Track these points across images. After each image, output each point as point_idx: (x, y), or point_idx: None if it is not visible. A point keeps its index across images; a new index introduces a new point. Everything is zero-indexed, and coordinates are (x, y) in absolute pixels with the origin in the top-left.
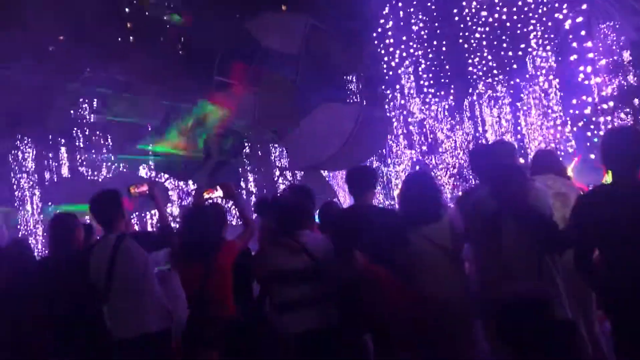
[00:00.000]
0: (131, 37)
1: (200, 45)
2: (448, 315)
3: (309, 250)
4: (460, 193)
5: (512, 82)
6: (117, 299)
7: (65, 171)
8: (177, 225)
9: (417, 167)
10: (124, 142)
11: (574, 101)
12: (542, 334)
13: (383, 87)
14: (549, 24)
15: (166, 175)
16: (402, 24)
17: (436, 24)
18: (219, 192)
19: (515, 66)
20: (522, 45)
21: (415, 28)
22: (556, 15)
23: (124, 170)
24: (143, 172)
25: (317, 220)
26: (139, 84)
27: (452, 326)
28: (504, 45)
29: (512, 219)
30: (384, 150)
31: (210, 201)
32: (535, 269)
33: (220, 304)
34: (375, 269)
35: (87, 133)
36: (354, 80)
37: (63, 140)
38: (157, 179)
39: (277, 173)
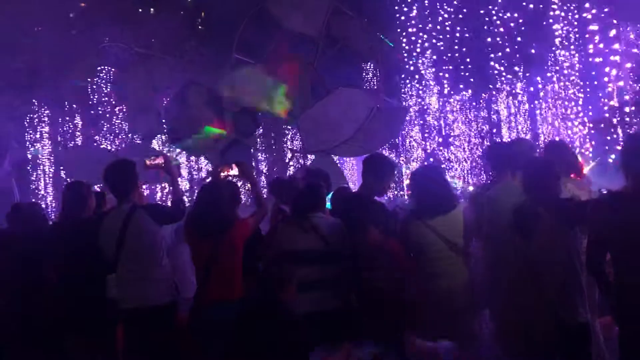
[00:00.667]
0: (151, 9)
1: (219, 21)
2: (448, 307)
3: (322, 231)
4: (470, 188)
5: (532, 80)
6: (125, 269)
7: (79, 140)
8: (189, 200)
9: (431, 160)
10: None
11: (593, 103)
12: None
13: (403, 75)
14: (575, 23)
15: (178, 150)
16: (426, 12)
17: (460, 16)
18: (234, 171)
19: (536, 64)
20: (547, 45)
21: (439, 19)
22: (584, 14)
23: (139, 141)
24: (156, 144)
25: (328, 205)
26: (156, 55)
27: (451, 318)
28: (527, 41)
29: (546, 212)
30: (397, 139)
31: (225, 179)
32: (564, 266)
33: (229, 283)
34: (391, 242)
35: (103, 102)
36: (372, 67)
37: (79, 109)
38: (169, 153)
39: (289, 155)
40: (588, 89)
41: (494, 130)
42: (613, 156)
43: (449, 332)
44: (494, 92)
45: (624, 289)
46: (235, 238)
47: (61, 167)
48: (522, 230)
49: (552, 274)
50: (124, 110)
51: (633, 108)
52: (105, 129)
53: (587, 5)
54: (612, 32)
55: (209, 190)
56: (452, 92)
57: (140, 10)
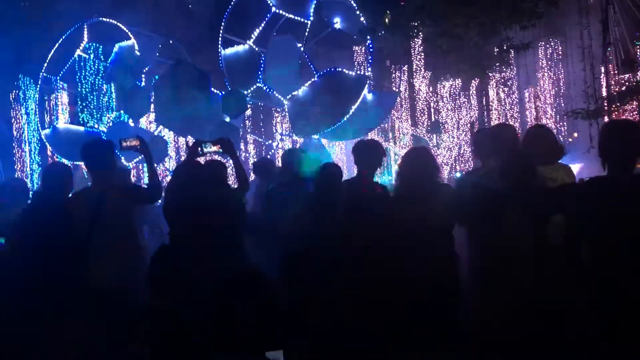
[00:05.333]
0: None
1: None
2: (430, 293)
3: None
4: (457, 174)
5: (522, 68)
6: (99, 251)
7: (65, 117)
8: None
9: (420, 144)
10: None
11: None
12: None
13: (389, 62)
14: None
15: (166, 130)
16: None
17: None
18: (215, 147)
19: (526, 52)
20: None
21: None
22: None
23: (124, 121)
24: (144, 123)
25: None
26: (145, 33)
27: (432, 304)
28: (516, 32)
29: (518, 202)
30: (386, 124)
31: (209, 157)
32: (532, 256)
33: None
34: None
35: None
36: (363, 51)
37: (65, 85)
38: (157, 132)
39: (278, 137)
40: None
41: (485, 119)
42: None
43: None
44: (486, 78)
45: (600, 275)
46: (215, 218)
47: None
48: (489, 220)
49: (522, 265)
50: (112, 88)
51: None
52: (92, 106)
53: None
54: None
55: (184, 173)
56: (442, 79)
57: None
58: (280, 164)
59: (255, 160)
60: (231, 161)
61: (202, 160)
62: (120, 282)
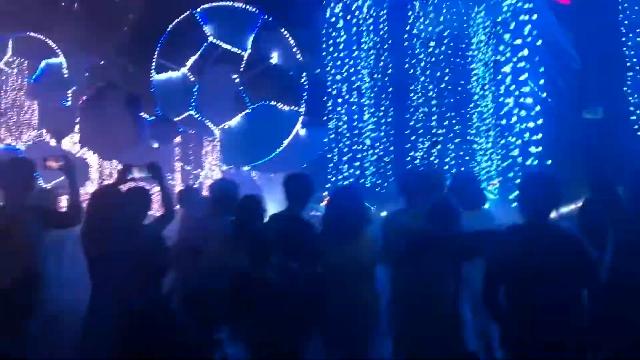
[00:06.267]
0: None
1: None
2: (349, 326)
3: None
4: (383, 213)
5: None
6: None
7: None
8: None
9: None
10: None
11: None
12: None
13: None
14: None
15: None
16: (354, 37)
17: (385, 46)
18: (144, 172)
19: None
20: (462, 82)
21: (363, 47)
22: None
23: (44, 140)
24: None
25: None
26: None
27: (352, 337)
28: (445, 77)
29: (438, 244)
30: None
31: (134, 184)
32: (451, 296)
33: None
34: None
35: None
36: (299, 84)
37: None
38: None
39: (207, 167)
40: None
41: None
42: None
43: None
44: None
45: (516, 321)
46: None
47: None
48: (413, 261)
49: (439, 306)
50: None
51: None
52: (11, 122)
53: None
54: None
55: (102, 198)
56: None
57: (63, 4)
58: (208, 194)
59: (182, 188)
60: (158, 187)
61: (128, 185)
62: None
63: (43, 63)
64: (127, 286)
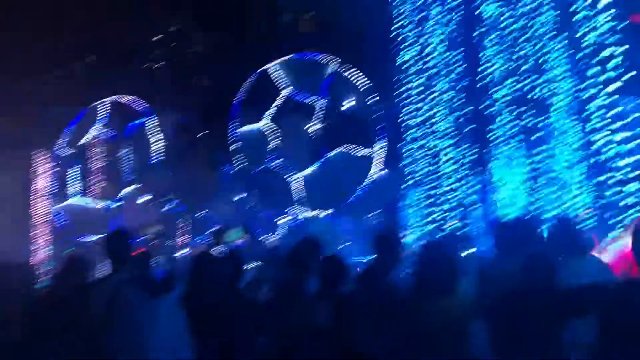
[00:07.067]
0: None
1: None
2: None
3: None
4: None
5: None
6: (111, 344)
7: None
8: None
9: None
10: None
11: None
12: None
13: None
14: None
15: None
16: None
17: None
18: (239, 234)
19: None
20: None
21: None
22: None
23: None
24: None
25: None
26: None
27: None
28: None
29: (539, 300)
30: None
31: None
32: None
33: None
34: None
35: None
36: (374, 128)
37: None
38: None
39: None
40: None
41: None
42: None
43: None
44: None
45: None
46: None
47: None
48: (512, 318)
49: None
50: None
51: None
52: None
53: None
54: None
55: (201, 263)
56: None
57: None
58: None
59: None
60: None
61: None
62: None
63: (135, 121)
64: (228, 345)
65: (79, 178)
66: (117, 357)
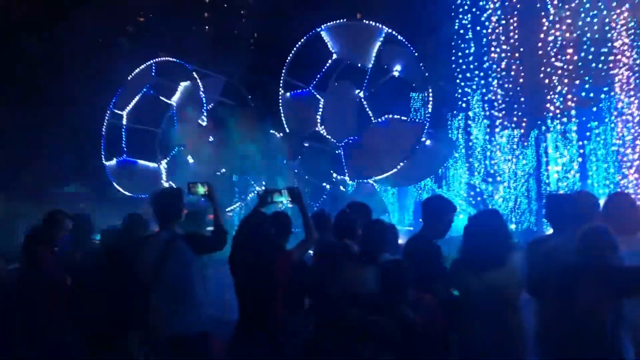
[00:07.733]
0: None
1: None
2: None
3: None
4: (512, 226)
5: (587, 125)
6: (160, 297)
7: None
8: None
9: (478, 199)
10: None
11: None
12: None
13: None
14: (636, 68)
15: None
16: (483, 50)
17: (517, 55)
18: (284, 196)
19: (594, 108)
20: (605, 89)
21: (494, 56)
22: None
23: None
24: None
25: None
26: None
27: None
28: (585, 85)
29: (594, 276)
30: (440, 172)
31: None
32: (606, 330)
33: (269, 315)
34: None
35: None
36: (421, 99)
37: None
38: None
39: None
40: None
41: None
42: None
43: None
44: (543, 128)
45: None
46: (277, 272)
47: None
48: (564, 293)
49: (593, 346)
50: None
51: None
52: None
53: None
54: None
55: (251, 223)
56: (499, 129)
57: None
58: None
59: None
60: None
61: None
62: (179, 329)
63: (181, 85)
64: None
65: (132, 139)
66: (164, 311)
